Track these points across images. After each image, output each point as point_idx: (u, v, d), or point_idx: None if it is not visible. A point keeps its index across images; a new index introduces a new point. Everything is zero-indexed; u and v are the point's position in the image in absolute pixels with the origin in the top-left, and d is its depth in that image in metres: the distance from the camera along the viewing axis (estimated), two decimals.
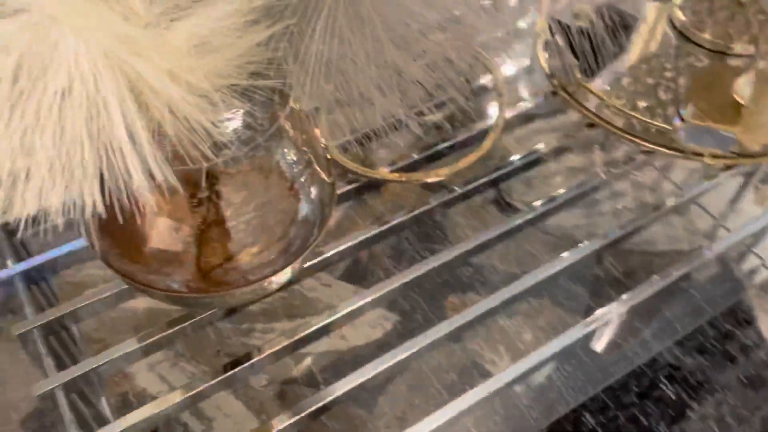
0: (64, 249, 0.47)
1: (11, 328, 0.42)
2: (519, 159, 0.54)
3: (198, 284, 0.37)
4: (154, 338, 0.42)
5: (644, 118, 0.53)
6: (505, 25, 0.63)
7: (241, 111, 0.30)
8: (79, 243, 0.47)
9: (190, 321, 0.42)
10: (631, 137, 0.54)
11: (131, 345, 0.42)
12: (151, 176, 0.21)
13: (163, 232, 0.36)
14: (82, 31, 0.17)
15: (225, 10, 0.22)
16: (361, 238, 0.47)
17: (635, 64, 0.65)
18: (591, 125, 0.56)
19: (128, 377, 0.64)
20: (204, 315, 0.43)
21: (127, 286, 0.44)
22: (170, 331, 0.42)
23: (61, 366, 0.42)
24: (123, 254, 0.37)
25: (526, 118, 0.58)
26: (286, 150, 0.36)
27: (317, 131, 0.40)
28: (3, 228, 0.48)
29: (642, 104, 0.62)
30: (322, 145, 0.41)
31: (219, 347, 0.70)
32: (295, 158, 0.37)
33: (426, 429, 0.39)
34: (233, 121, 0.31)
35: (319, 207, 0.40)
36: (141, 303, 0.46)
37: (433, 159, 0.55)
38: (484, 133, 0.52)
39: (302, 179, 0.38)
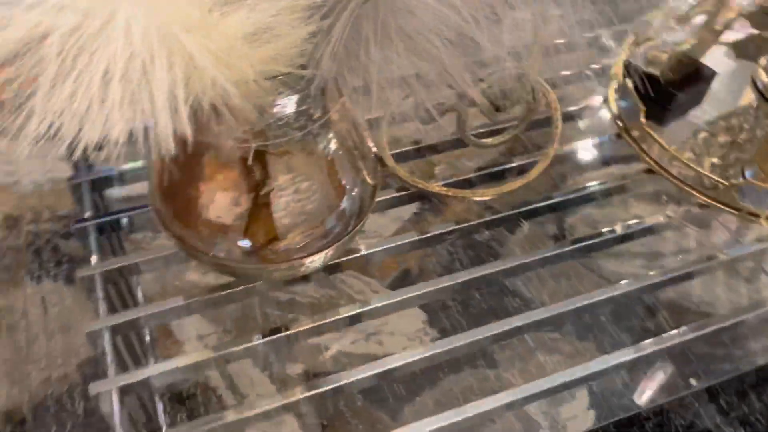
0: (137, 211, 0.52)
1: (77, 272, 0.48)
2: (577, 193, 0.54)
3: (240, 255, 0.41)
4: (199, 299, 0.45)
5: (703, 171, 0.53)
6: (576, 65, 0.64)
7: (294, 99, 0.34)
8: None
9: (234, 289, 0.46)
10: (688, 188, 0.54)
11: (177, 302, 0.46)
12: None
13: (216, 205, 0.40)
14: (143, 3, 0.20)
15: (279, 6, 0.25)
16: (400, 242, 0.49)
17: (713, 120, 0.65)
18: (650, 171, 0.56)
19: (171, 332, 0.69)
20: (248, 285, 0.46)
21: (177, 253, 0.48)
22: (213, 295, 0.46)
23: (112, 311, 0.46)
24: (179, 220, 0.41)
25: (588, 154, 0.59)
26: (333, 144, 0.39)
27: (369, 135, 0.43)
28: (89, 182, 0.54)
29: (712, 160, 0.61)
30: (373, 150, 0.44)
31: (256, 319, 0.74)
32: (341, 153, 0.40)
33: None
34: (285, 108, 0.34)
35: (358, 203, 0.43)
36: (195, 269, 0.50)
37: (491, 180, 0.57)
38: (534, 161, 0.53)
39: (346, 174, 0.41)
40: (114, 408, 0.41)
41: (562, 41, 0.74)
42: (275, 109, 0.33)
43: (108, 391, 0.41)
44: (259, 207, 0.39)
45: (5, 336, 0.73)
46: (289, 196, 0.39)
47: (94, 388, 0.41)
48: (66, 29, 0.20)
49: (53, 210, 0.85)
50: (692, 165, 0.53)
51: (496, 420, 0.68)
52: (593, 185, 0.56)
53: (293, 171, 0.38)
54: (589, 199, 0.56)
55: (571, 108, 0.62)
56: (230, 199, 0.39)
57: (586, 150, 0.60)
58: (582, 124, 0.68)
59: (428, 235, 0.50)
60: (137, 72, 0.21)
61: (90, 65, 0.20)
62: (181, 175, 0.40)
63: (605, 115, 0.62)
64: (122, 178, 0.56)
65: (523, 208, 0.52)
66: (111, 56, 0.20)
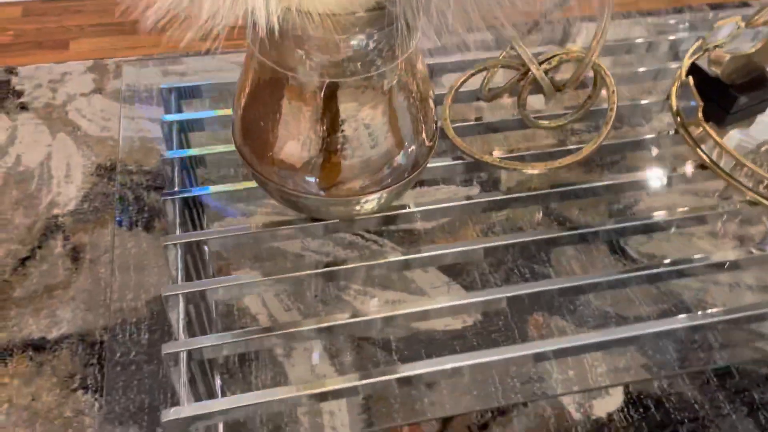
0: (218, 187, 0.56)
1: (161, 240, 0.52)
2: (628, 178, 0.56)
3: (306, 189, 0.45)
4: (268, 276, 0.49)
5: (756, 168, 0.54)
6: (647, 65, 0.66)
7: (368, 36, 0.38)
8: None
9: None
10: (738, 184, 0.55)
11: (247, 278, 0.49)
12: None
13: (290, 144, 0.44)
14: None
15: None
16: (449, 204, 0.53)
17: None
18: (702, 167, 0.57)
19: (240, 302, 0.74)
20: (307, 273, 0.48)
21: (252, 188, 0.53)
22: (283, 273, 0.49)
23: (187, 278, 0.50)
24: (257, 156, 0.46)
25: (642, 145, 0.61)
26: (401, 94, 0.43)
27: (432, 101, 0.47)
28: (177, 123, 0.60)
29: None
30: (433, 112, 0.47)
31: (317, 294, 0.79)
32: (405, 109, 0.44)
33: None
34: (359, 44, 0.38)
35: (413, 159, 0.46)
36: (266, 241, 0.54)
37: (542, 158, 0.59)
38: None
39: (406, 131, 0.45)
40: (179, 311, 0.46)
41: (641, 40, 0.76)
42: (352, 42, 0.37)
43: (175, 295, 0.46)
44: (328, 149, 0.44)
45: (88, 269, 0.81)
46: (355, 141, 0.43)
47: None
48: None
49: (140, 164, 0.93)
50: (748, 162, 0.54)
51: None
52: (645, 175, 0.57)
53: (359, 111, 0.42)
54: (638, 187, 0.58)
55: (636, 102, 0.64)
56: (299, 136, 0.44)
57: (644, 141, 0.62)
58: (644, 119, 0.70)
59: (473, 201, 0.53)
60: None
61: None
62: (260, 112, 0.45)
63: (667, 112, 0.64)
64: (202, 124, 0.61)
65: (578, 185, 0.54)
66: None
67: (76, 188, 0.90)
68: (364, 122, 0.43)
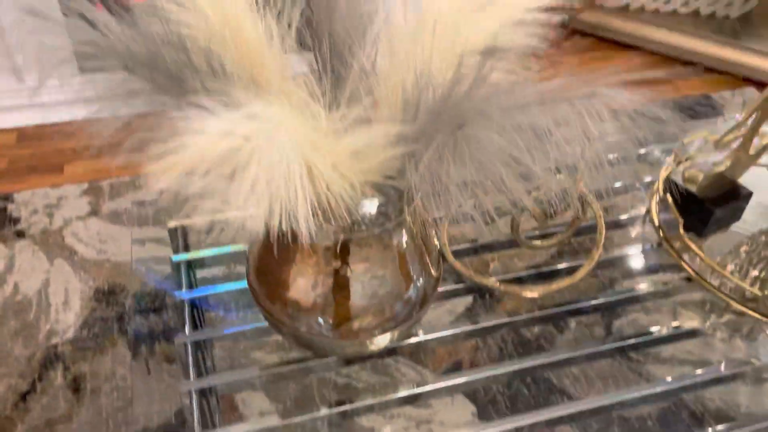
0: (224, 288, 0.59)
1: (174, 339, 0.55)
2: (622, 295, 0.59)
3: (318, 331, 0.47)
4: (271, 371, 0.52)
5: (738, 281, 0.57)
6: (622, 179, 0.70)
7: (377, 201, 0.41)
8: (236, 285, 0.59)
9: (301, 365, 0.52)
10: (724, 296, 0.58)
11: (252, 372, 0.52)
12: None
13: (300, 287, 0.47)
14: (288, 130, 0.28)
15: (376, 133, 0.33)
16: (456, 331, 0.55)
17: (755, 235, 0.69)
18: (689, 279, 0.61)
19: (245, 396, 0.74)
20: (316, 363, 0.52)
21: (262, 327, 0.55)
22: (284, 368, 0.52)
23: (198, 374, 0.53)
24: (269, 297, 0.48)
25: (632, 261, 0.64)
26: (405, 239, 0.46)
27: (435, 232, 0.50)
28: (186, 263, 0.62)
29: (754, 273, 0.65)
30: (436, 245, 0.50)
31: (317, 395, 0.79)
32: (410, 247, 0.47)
33: None
34: (369, 207, 0.41)
35: (422, 293, 0.49)
36: (273, 344, 0.57)
37: (540, 279, 0.62)
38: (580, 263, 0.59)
39: (412, 266, 0.48)
40: None
41: (612, 156, 0.81)
42: (362, 209, 0.41)
43: None
44: (338, 291, 0.46)
45: (89, 399, 0.80)
46: (365, 282, 0.45)
47: None
48: (238, 143, 0.27)
49: (138, 286, 0.94)
50: (731, 276, 0.57)
51: None
52: (638, 290, 0.60)
53: (369, 260, 0.45)
54: (634, 302, 0.61)
55: (618, 217, 0.68)
56: (313, 282, 0.46)
57: (630, 257, 0.65)
58: (627, 232, 0.74)
59: (480, 326, 0.56)
60: (283, 176, 0.28)
61: (249, 169, 0.28)
62: (274, 258, 0.47)
63: (648, 225, 0.67)
64: (208, 262, 0.63)
65: (571, 306, 0.57)
66: (267, 163, 0.28)
67: (74, 315, 0.91)
68: (373, 267, 0.46)
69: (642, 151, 0.78)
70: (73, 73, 0.37)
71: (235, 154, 0.28)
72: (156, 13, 0.37)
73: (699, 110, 1.42)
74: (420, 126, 0.32)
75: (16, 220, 1.06)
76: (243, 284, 0.58)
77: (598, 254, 0.55)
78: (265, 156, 0.28)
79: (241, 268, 0.59)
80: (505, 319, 0.56)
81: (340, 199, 0.33)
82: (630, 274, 0.67)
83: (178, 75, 0.34)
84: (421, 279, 0.48)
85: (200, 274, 0.65)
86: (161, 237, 0.97)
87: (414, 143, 0.32)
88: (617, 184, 0.72)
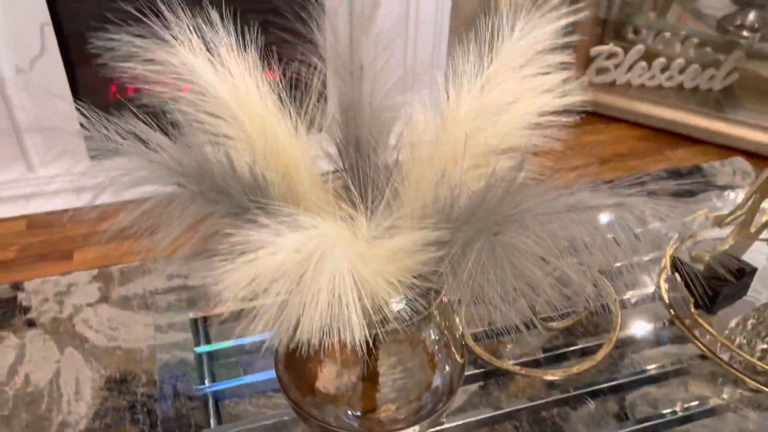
0: (248, 379, 0.60)
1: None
2: (637, 375, 0.60)
3: (346, 423, 0.48)
4: None
5: (750, 358, 0.59)
6: (629, 257, 0.72)
7: (406, 299, 0.43)
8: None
9: None
10: (739, 374, 0.59)
11: None
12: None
13: (329, 379, 0.48)
14: (337, 242, 0.31)
15: (412, 238, 0.35)
16: (481, 417, 0.56)
17: (761, 308, 0.71)
18: (703, 357, 0.62)
19: None
20: None
21: (288, 419, 0.55)
22: None
23: None
24: (298, 386, 0.49)
25: (645, 338, 0.65)
26: (432, 330, 0.48)
27: (457, 319, 0.51)
28: (208, 354, 0.63)
29: (762, 346, 0.67)
30: (459, 332, 0.52)
31: None
32: (437, 338, 0.48)
33: None
34: (400, 304, 0.43)
35: (449, 381, 0.50)
36: None
37: (556, 360, 0.64)
38: (600, 345, 0.60)
39: (440, 355, 0.49)
40: None
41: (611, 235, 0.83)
42: (393, 306, 0.42)
43: None
44: (368, 383, 0.47)
45: None
46: (394, 375, 0.47)
47: None
48: (302, 259, 0.30)
49: (150, 374, 0.94)
50: (742, 353, 0.59)
51: None
52: (652, 367, 0.62)
53: (398, 353, 0.46)
54: (649, 380, 0.62)
55: (628, 296, 0.69)
56: (343, 375, 0.47)
57: (643, 334, 0.67)
58: (638, 310, 0.75)
59: (503, 412, 0.57)
60: (338, 288, 0.30)
61: (304, 284, 0.30)
62: (305, 349, 0.48)
63: (659, 302, 0.69)
64: (230, 352, 0.64)
65: (589, 389, 0.58)
66: (326, 276, 0.30)
67: (86, 405, 0.90)
68: (402, 360, 0.47)
69: (639, 230, 0.81)
70: (82, 159, 0.39)
71: (299, 268, 0.30)
72: (201, 128, 0.40)
73: (692, 180, 1.46)
74: (454, 231, 0.34)
75: (27, 309, 1.07)
76: (266, 375, 0.59)
77: (615, 336, 0.57)
78: (324, 270, 0.30)
79: (263, 359, 0.60)
80: (527, 404, 0.57)
81: (382, 300, 0.35)
82: (644, 352, 0.68)
83: (225, 188, 0.36)
84: (447, 367, 0.50)
85: (221, 362, 0.66)
86: (176, 323, 0.98)
87: (449, 248, 0.34)
88: (621, 264, 0.74)
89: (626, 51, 1.82)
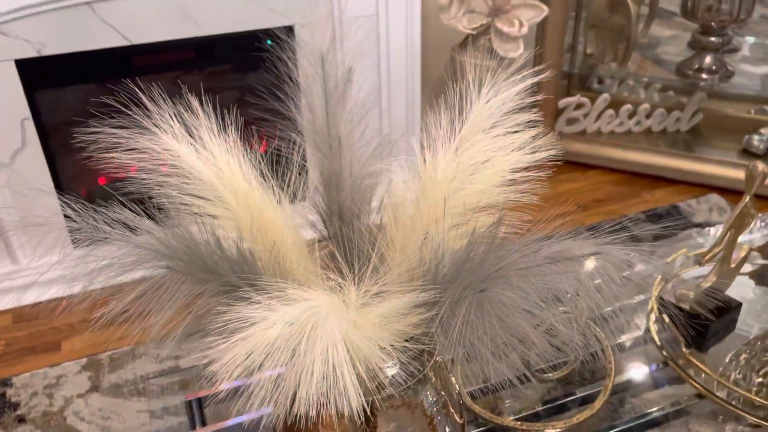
0: None
1: None
2: (639, 419, 0.60)
3: None
4: None
5: (747, 393, 0.59)
6: (613, 303, 0.73)
7: (399, 362, 0.43)
8: None
9: None
10: (738, 410, 0.59)
11: None
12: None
13: None
14: (328, 313, 0.31)
15: (400, 302, 0.36)
16: None
17: (752, 342, 0.72)
18: (700, 396, 0.62)
19: None
20: None
21: None
22: None
23: None
24: None
25: (640, 381, 0.65)
26: (428, 393, 0.48)
27: (452, 378, 0.51)
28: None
29: (758, 379, 0.67)
30: (456, 392, 0.52)
31: None
32: (434, 399, 0.48)
33: None
34: (394, 369, 0.43)
35: None
36: None
37: (556, 412, 0.63)
38: (598, 393, 0.60)
39: (439, 417, 0.49)
40: None
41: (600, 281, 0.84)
42: (387, 371, 0.42)
43: None
44: None
45: None
46: None
47: None
48: (288, 334, 0.30)
49: None
50: (738, 389, 0.59)
51: None
52: (653, 410, 0.61)
53: (397, 420, 0.46)
54: (650, 423, 0.62)
55: (621, 340, 0.70)
56: None
57: (639, 377, 0.67)
58: (632, 353, 0.76)
59: None
60: (332, 358, 0.31)
61: (298, 356, 0.30)
62: (303, 423, 0.48)
63: (650, 344, 0.70)
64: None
65: None
66: (316, 348, 0.30)
67: None
68: (401, 426, 0.47)
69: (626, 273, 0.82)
70: (66, 249, 0.40)
71: (292, 341, 0.30)
72: (187, 210, 0.41)
73: (671, 220, 1.49)
74: (441, 292, 0.35)
75: (16, 405, 1.04)
76: None
77: (611, 382, 0.57)
78: (317, 341, 0.30)
79: None
80: None
81: (375, 366, 0.35)
82: (643, 395, 0.68)
83: (213, 267, 0.37)
84: (447, 429, 0.49)
85: None
86: (170, 406, 0.96)
87: (438, 308, 0.35)
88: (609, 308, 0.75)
89: (593, 101, 1.88)
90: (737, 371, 0.69)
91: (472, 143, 0.47)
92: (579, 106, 1.87)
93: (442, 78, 1.77)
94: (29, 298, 1.29)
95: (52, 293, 1.35)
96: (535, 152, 0.47)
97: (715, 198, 1.69)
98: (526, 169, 0.46)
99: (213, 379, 0.30)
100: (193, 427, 0.63)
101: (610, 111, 1.87)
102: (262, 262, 0.40)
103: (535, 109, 0.48)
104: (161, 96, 0.43)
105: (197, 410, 0.65)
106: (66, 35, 1.19)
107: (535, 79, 0.47)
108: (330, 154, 0.47)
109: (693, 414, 0.67)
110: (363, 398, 0.32)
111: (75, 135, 0.41)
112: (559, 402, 0.63)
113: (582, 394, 0.63)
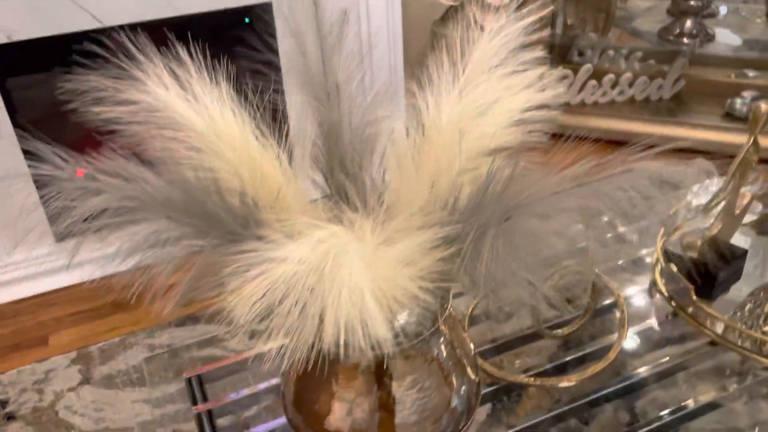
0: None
1: None
2: (645, 373, 0.59)
3: None
4: None
5: (764, 337, 0.58)
6: (626, 256, 0.72)
7: (413, 311, 0.41)
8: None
9: None
10: (753, 355, 0.59)
11: None
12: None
13: (346, 409, 0.45)
14: (349, 242, 0.29)
15: (420, 239, 0.34)
16: None
17: (756, 291, 0.71)
18: (713, 343, 0.61)
19: None
20: None
21: None
22: None
23: None
24: (312, 426, 0.47)
25: (649, 335, 0.64)
26: (443, 346, 0.46)
27: (467, 335, 0.50)
28: (207, 413, 0.59)
29: (764, 328, 0.66)
30: (471, 347, 0.50)
31: None
32: (449, 354, 0.46)
33: None
34: (406, 318, 0.41)
35: (467, 400, 0.48)
36: None
37: (563, 371, 0.62)
38: (608, 347, 0.59)
39: (454, 374, 0.47)
40: None
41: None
42: (401, 320, 0.40)
43: None
44: (384, 409, 0.45)
45: None
46: (410, 397, 0.44)
47: None
48: (309, 265, 0.28)
49: None
50: (753, 333, 0.58)
51: None
52: (657, 366, 0.60)
53: (413, 373, 0.44)
54: (655, 379, 0.60)
55: (626, 295, 0.68)
56: (358, 404, 0.45)
57: (646, 330, 0.66)
58: (636, 308, 0.74)
59: (523, 426, 0.54)
60: (355, 285, 0.29)
61: (322, 286, 0.28)
62: (314, 388, 0.46)
63: (647, 299, 0.68)
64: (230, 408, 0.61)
65: (597, 394, 0.56)
66: (341, 274, 0.28)
67: None
68: (417, 380, 0.45)
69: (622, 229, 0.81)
70: (48, 243, 0.37)
71: (313, 272, 0.28)
72: (184, 164, 0.38)
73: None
74: (463, 225, 0.33)
75: (5, 403, 1.01)
76: (274, 424, 0.56)
77: (625, 331, 0.55)
78: (341, 268, 0.28)
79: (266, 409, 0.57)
80: (544, 415, 0.55)
81: (400, 303, 0.33)
82: (650, 347, 0.67)
83: (216, 217, 0.35)
84: (464, 387, 0.48)
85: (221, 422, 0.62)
86: (168, 393, 0.94)
87: (460, 243, 0.33)
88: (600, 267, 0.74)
89: (575, 72, 1.87)
90: (743, 322, 0.68)
91: (477, 84, 0.45)
92: (562, 78, 1.86)
93: (424, 55, 1.75)
94: (9, 295, 1.25)
95: (34, 288, 1.30)
96: (544, 90, 0.45)
97: (702, 162, 1.69)
98: (536, 108, 0.44)
99: (230, 319, 0.27)
100: (195, 403, 0.61)
101: (593, 81, 1.86)
102: (266, 212, 0.37)
103: (540, 46, 0.46)
104: (149, 47, 0.41)
105: (197, 387, 0.63)
106: (36, 19, 1.14)
107: (540, 15, 0.45)
108: (328, 103, 0.45)
109: (699, 367, 0.66)
110: (391, 330, 0.30)
111: (49, 124, 0.38)
112: (567, 359, 0.62)
113: (592, 350, 0.62)
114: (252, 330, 0.28)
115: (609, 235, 0.83)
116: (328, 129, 0.45)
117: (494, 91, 0.44)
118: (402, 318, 0.41)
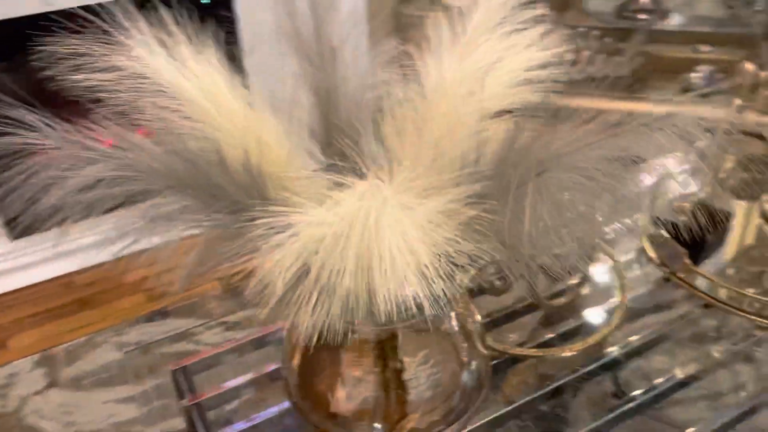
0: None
1: None
2: (635, 344, 0.58)
3: None
4: None
5: (760, 297, 0.58)
6: (620, 221, 0.71)
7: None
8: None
9: None
10: (748, 315, 0.59)
11: None
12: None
13: (350, 393, 0.43)
14: (386, 198, 0.27)
15: (451, 195, 0.32)
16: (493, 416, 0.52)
17: (737, 256, 0.72)
18: (707, 306, 0.61)
19: None
20: None
21: None
22: None
23: None
24: (319, 408, 0.44)
25: (641, 303, 0.64)
26: (453, 321, 0.44)
27: (473, 307, 0.48)
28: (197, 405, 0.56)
29: (750, 291, 0.67)
30: (479, 322, 0.48)
31: None
32: (459, 329, 0.45)
33: None
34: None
35: (477, 375, 0.46)
36: None
37: (563, 337, 0.61)
38: (605, 314, 0.58)
39: (465, 349, 0.45)
40: None
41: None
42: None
43: None
44: (393, 388, 0.43)
45: None
46: (425, 371, 0.43)
47: None
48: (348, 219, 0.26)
49: None
50: (743, 292, 0.58)
51: None
52: (642, 334, 0.60)
53: (425, 348, 0.43)
54: (641, 349, 0.60)
55: (617, 263, 0.68)
56: (363, 386, 0.43)
57: (640, 296, 0.65)
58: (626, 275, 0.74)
59: (526, 398, 0.53)
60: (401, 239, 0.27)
61: (366, 238, 0.26)
62: (320, 369, 0.44)
63: (644, 265, 0.68)
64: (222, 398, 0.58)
65: (591, 366, 0.56)
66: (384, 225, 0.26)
67: None
68: (426, 358, 0.43)
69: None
70: (2, 242, 0.34)
71: (350, 228, 0.26)
72: (178, 132, 0.35)
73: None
74: (494, 181, 0.31)
75: None
76: (272, 411, 0.53)
77: (625, 298, 0.55)
78: (382, 222, 0.26)
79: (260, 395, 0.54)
80: (549, 387, 0.54)
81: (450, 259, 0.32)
82: (644, 313, 0.66)
83: (219, 187, 0.32)
84: (474, 362, 0.46)
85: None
86: (140, 392, 0.90)
87: (492, 199, 0.31)
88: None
89: None
90: (728, 285, 0.69)
91: (479, 44, 0.43)
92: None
93: (390, 39, 1.73)
94: None
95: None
96: (547, 49, 0.43)
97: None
98: (540, 67, 0.43)
99: (262, 285, 0.25)
100: (182, 397, 0.58)
101: None
102: (271, 180, 0.35)
103: (541, 4, 0.44)
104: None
105: (183, 380, 0.59)
106: None
107: None
108: (322, 66, 0.42)
109: (680, 336, 0.66)
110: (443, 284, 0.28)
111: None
112: (566, 329, 0.61)
113: (584, 322, 0.61)
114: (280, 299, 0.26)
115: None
116: (325, 97, 0.43)
117: (497, 50, 0.42)
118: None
